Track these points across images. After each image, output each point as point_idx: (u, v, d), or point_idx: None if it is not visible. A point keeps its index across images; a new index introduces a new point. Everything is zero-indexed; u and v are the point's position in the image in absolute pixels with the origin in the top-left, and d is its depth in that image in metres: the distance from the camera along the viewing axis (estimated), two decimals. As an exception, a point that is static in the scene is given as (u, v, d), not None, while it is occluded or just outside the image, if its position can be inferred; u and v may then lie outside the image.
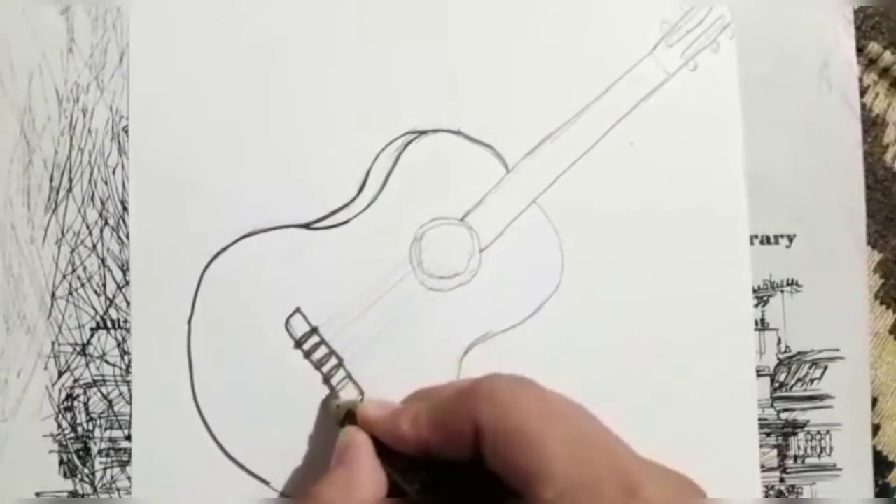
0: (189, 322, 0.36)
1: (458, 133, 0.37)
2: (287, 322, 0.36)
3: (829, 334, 0.38)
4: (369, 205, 0.37)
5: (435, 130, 0.37)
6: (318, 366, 0.36)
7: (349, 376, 0.36)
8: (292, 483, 0.35)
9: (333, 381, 0.36)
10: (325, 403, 0.35)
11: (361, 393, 0.36)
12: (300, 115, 0.37)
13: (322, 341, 0.36)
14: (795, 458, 0.38)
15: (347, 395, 0.36)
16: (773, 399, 0.38)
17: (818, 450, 0.38)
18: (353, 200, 0.37)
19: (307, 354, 0.36)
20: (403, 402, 0.33)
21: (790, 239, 0.38)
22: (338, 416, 0.34)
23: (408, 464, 0.31)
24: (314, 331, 0.36)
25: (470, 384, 0.29)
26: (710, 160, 0.38)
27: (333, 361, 0.36)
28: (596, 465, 0.26)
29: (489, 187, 0.37)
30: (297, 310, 0.36)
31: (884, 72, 0.39)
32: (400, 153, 0.37)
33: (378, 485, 0.30)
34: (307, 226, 0.37)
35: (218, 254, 0.36)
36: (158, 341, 0.36)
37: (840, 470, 0.38)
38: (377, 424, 0.32)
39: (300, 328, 0.36)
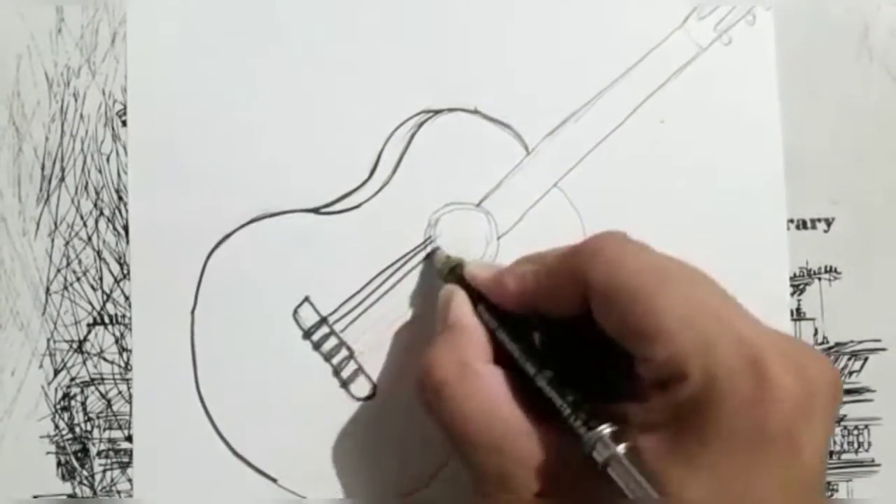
0: (192, 313, 0.35)
1: (474, 112, 0.36)
2: (295, 312, 0.35)
3: (869, 324, 0.37)
4: (381, 188, 0.36)
5: (450, 109, 0.36)
6: (327, 358, 0.35)
7: (360, 368, 0.35)
8: (301, 480, 0.35)
9: (344, 374, 0.35)
10: (431, 256, 0.35)
11: (373, 387, 0.35)
12: (308, 93, 0.36)
13: (332, 332, 0.35)
14: (831, 453, 0.36)
15: (358, 389, 0.35)
16: (809, 392, 0.36)
17: (855, 445, 0.36)
18: (364, 184, 0.36)
19: (316, 346, 0.35)
20: (511, 265, 0.32)
21: (828, 223, 0.37)
22: (443, 271, 0.34)
23: (513, 322, 0.30)
24: (323, 321, 0.35)
25: (579, 244, 0.29)
26: (746, 139, 0.36)
27: (344, 353, 0.35)
28: (710, 329, 0.25)
29: (508, 170, 0.36)
30: (306, 299, 0.35)
31: (929, 40, 0.38)
32: (413, 134, 0.36)
33: (484, 344, 0.30)
34: (316, 210, 0.36)
35: (222, 240, 0.35)
36: (160, 334, 0.35)
37: (878, 466, 0.36)
38: (484, 281, 0.31)
39: (309, 318, 0.35)
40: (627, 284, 0.26)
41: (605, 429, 0.25)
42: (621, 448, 0.25)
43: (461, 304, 0.31)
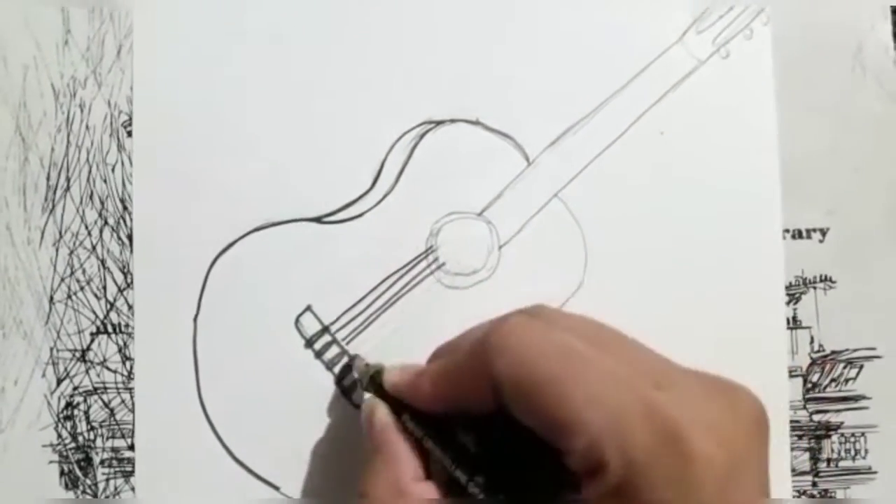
0: (195, 320, 0.35)
1: (476, 123, 0.36)
2: (297, 320, 0.35)
3: (864, 332, 0.37)
4: (383, 198, 0.36)
5: (452, 120, 0.36)
6: (329, 366, 0.35)
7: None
8: (303, 488, 0.34)
9: (345, 383, 0.35)
10: (351, 364, 0.34)
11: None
12: (311, 103, 0.36)
13: (334, 340, 0.35)
14: (828, 461, 0.36)
15: (359, 397, 0.34)
16: (806, 400, 0.36)
17: (852, 452, 0.36)
18: (366, 193, 0.36)
19: (318, 354, 0.35)
20: (427, 362, 0.32)
21: (823, 233, 0.37)
22: (363, 381, 0.33)
23: (439, 426, 0.30)
24: (325, 329, 0.35)
25: (482, 336, 0.27)
26: (743, 151, 0.36)
27: (345, 361, 0.35)
28: (621, 408, 0.24)
29: (509, 180, 0.36)
30: (308, 307, 0.35)
31: (920, 55, 0.38)
32: (415, 144, 0.36)
33: (414, 460, 0.30)
34: (319, 220, 0.35)
35: (225, 249, 0.35)
36: (162, 343, 0.35)
37: (875, 473, 0.36)
38: (402, 387, 0.31)
39: (311, 327, 0.35)
40: (533, 377, 0.25)
41: None
42: None
43: (383, 421, 0.30)
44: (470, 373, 0.28)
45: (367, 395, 0.32)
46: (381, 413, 0.31)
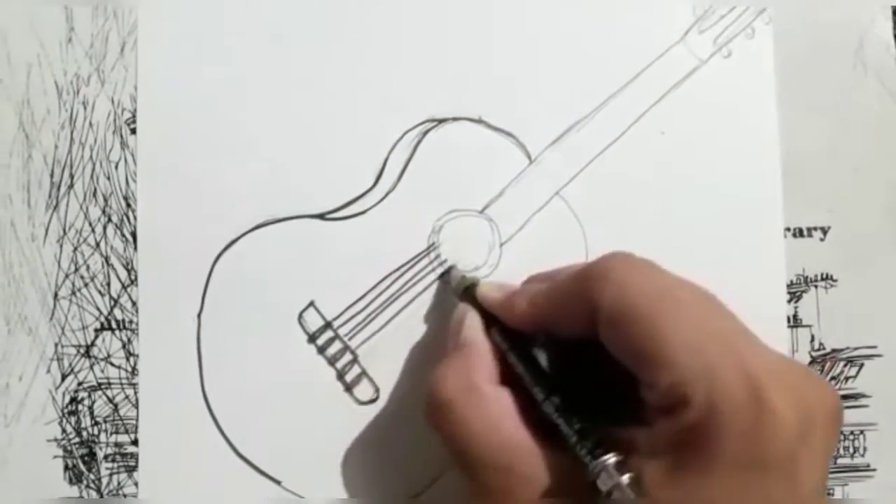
0: (198, 316, 0.35)
1: (479, 121, 0.36)
2: (300, 316, 0.35)
3: (865, 331, 0.36)
4: (386, 195, 0.35)
5: (455, 118, 0.36)
6: (332, 361, 0.35)
7: (364, 372, 0.35)
8: (305, 482, 0.34)
9: (348, 378, 0.35)
10: (447, 274, 0.35)
11: (377, 391, 0.35)
12: (314, 101, 0.36)
13: (336, 336, 0.35)
14: None
15: (361, 393, 0.35)
16: (806, 397, 0.36)
17: (851, 450, 0.36)
18: (369, 190, 0.35)
19: (321, 350, 0.35)
20: (522, 285, 0.33)
21: (824, 231, 0.37)
22: (457, 290, 0.34)
23: (523, 345, 0.30)
24: (328, 325, 0.35)
25: (588, 264, 0.29)
26: (745, 150, 0.36)
27: (348, 357, 0.35)
28: (715, 356, 0.25)
29: (511, 178, 0.36)
30: (311, 303, 0.35)
31: (921, 52, 0.38)
32: (418, 142, 0.36)
33: (493, 365, 0.30)
34: (322, 216, 0.35)
35: (229, 245, 0.35)
36: (166, 339, 0.35)
37: (874, 471, 0.36)
38: (495, 302, 0.31)
39: (314, 322, 0.35)
40: (634, 309, 0.26)
41: (611, 458, 0.25)
42: (625, 478, 0.25)
43: (473, 324, 0.31)
44: (570, 296, 0.28)
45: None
46: (473, 318, 0.31)
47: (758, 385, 0.24)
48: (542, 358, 0.30)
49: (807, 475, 0.24)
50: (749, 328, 0.27)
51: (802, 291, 0.36)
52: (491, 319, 0.31)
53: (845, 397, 0.36)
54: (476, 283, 0.33)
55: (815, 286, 0.37)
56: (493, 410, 0.28)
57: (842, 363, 0.36)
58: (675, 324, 0.25)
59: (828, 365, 0.36)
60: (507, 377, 0.30)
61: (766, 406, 0.24)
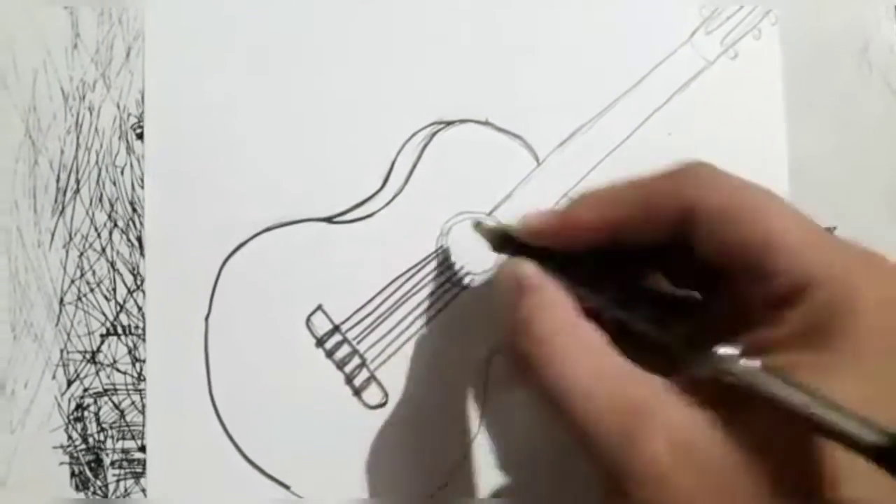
0: (206, 320, 0.34)
1: (486, 123, 0.35)
2: (308, 320, 0.35)
3: None
4: (394, 198, 0.35)
5: (462, 120, 0.35)
6: (340, 366, 0.34)
7: (373, 377, 0.34)
8: (314, 487, 0.34)
9: (356, 382, 0.34)
10: (477, 227, 0.32)
11: (385, 395, 0.34)
12: (321, 104, 0.35)
13: (344, 340, 0.34)
14: None
15: (370, 397, 0.34)
16: (813, 398, 0.36)
17: None
18: (377, 193, 0.35)
19: (329, 354, 0.34)
20: (572, 203, 0.29)
21: (830, 232, 0.36)
22: (495, 241, 0.30)
23: (588, 276, 0.27)
24: (336, 329, 0.34)
25: (667, 170, 0.26)
26: (752, 151, 0.36)
27: (356, 361, 0.34)
28: (825, 235, 0.24)
29: (519, 180, 0.35)
30: (319, 307, 0.35)
31: (925, 55, 0.38)
32: (426, 144, 0.35)
33: (573, 302, 0.27)
34: (329, 219, 0.35)
35: (237, 249, 0.35)
36: (173, 344, 0.34)
37: None
38: (549, 228, 0.28)
39: (322, 326, 0.34)
40: (743, 201, 0.25)
41: (734, 350, 0.23)
42: (758, 364, 0.22)
43: (531, 270, 0.27)
44: (656, 195, 0.26)
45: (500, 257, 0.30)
46: (528, 265, 0.28)
47: (875, 254, 0.23)
48: (611, 280, 0.28)
49: None
50: None
51: (809, 292, 0.36)
52: (545, 258, 0.28)
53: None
54: (511, 228, 0.29)
55: (822, 286, 0.36)
56: (595, 343, 0.25)
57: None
58: (784, 211, 0.24)
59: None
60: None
61: (887, 266, 0.23)
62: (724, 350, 0.23)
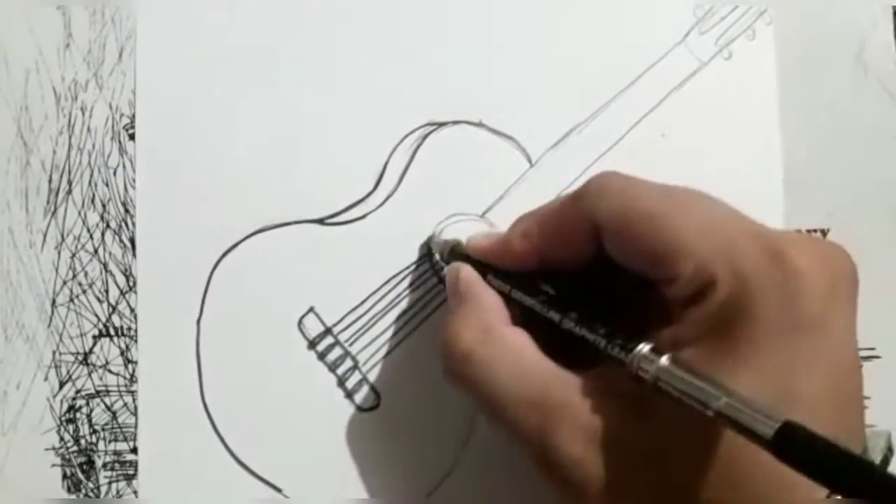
0: (198, 322, 0.34)
1: (479, 125, 0.35)
2: (300, 322, 0.34)
3: (863, 333, 0.35)
4: (386, 199, 0.35)
5: (455, 122, 0.35)
6: (332, 368, 0.34)
7: (365, 379, 0.34)
8: (306, 490, 0.34)
9: (348, 385, 0.34)
10: (429, 242, 0.34)
11: (378, 398, 0.34)
12: (314, 105, 0.35)
13: (336, 342, 0.34)
14: None
15: (362, 400, 0.34)
16: (807, 400, 0.36)
17: None
18: (369, 195, 0.35)
19: (321, 356, 0.34)
20: (509, 229, 0.32)
21: (824, 234, 0.36)
22: (443, 254, 0.33)
23: (523, 282, 0.29)
24: (328, 331, 0.34)
25: (578, 188, 0.28)
26: (746, 153, 0.36)
27: (349, 363, 0.34)
28: (729, 232, 0.24)
29: (511, 181, 0.35)
30: (311, 309, 0.34)
31: (922, 56, 0.37)
32: (418, 145, 0.35)
33: (502, 308, 0.29)
34: (321, 221, 0.35)
35: (228, 251, 0.34)
36: (165, 345, 0.34)
37: None
38: (490, 248, 0.30)
39: (314, 328, 0.34)
40: (640, 210, 0.26)
41: (645, 347, 0.24)
42: (665, 359, 0.24)
43: (470, 277, 0.30)
44: (569, 219, 0.28)
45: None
46: (468, 270, 0.30)
47: (779, 250, 0.24)
48: (546, 287, 0.29)
49: (840, 329, 0.24)
50: None
51: (803, 294, 0.36)
52: (486, 269, 0.30)
53: (847, 400, 0.36)
54: (460, 242, 0.32)
55: (816, 288, 0.36)
56: (515, 348, 0.27)
57: (843, 365, 0.36)
58: (684, 213, 0.25)
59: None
60: (516, 320, 0.29)
61: (792, 268, 0.23)
62: (640, 347, 0.24)
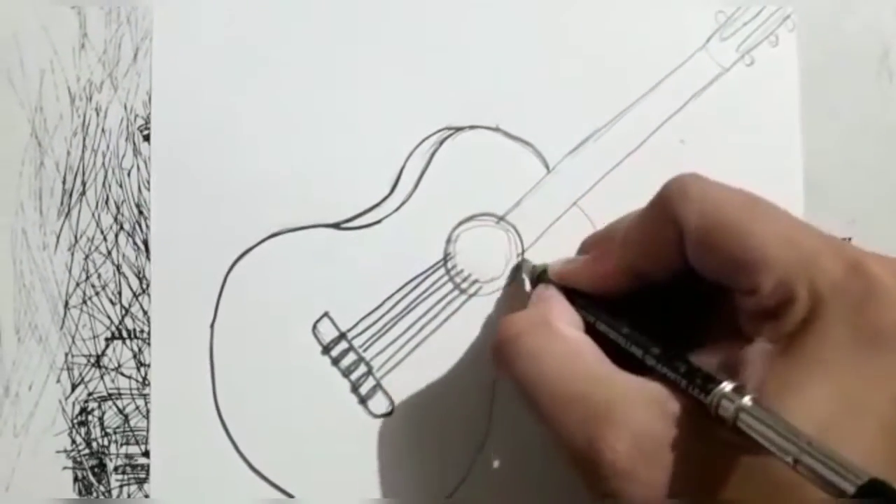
0: (212, 326, 0.34)
1: (496, 130, 0.35)
2: (314, 327, 0.34)
3: None
4: (402, 204, 0.34)
5: (472, 127, 0.35)
6: (346, 373, 0.34)
7: (379, 385, 0.34)
8: (318, 496, 0.33)
9: (362, 391, 0.34)
10: (521, 265, 0.34)
11: (391, 404, 0.34)
12: (330, 109, 0.35)
13: (351, 348, 0.34)
14: None
15: (376, 406, 0.34)
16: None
17: None
18: (385, 199, 0.35)
19: (335, 361, 0.34)
20: (579, 252, 0.32)
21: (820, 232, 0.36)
22: (532, 278, 0.33)
23: (607, 308, 0.29)
24: (342, 336, 0.34)
25: (654, 197, 0.27)
26: (767, 160, 0.35)
27: (363, 369, 0.34)
28: (811, 243, 0.24)
29: (528, 187, 0.35)
30: (326, 314, 0.34)
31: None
32: (435, 150, 0.35)
33: (573, 313, 0.29)
34: (337, 226, 0.34)
35: (243, 254, 0.34)
36: (178, 349, 0.34)
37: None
38: (572, 275, 0.30)
39: (328, 333, 0.34)
40: (724, 218, 0.25)
41: (726, 386, 0.23)
42: (747, 399, 0.23)
43: (551, 293, 0.30)
44: (653, 228, 0.27)
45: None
46: (552, 289, 0.30)
47: (858, 262, 0.23)
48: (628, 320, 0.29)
49: None
50: None
51: (823, 303, 0.35)
52: (571, 295, 0.30)
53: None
54: (546, 268, 0.32)
55: (837, 298, 0.35)
56: (570, 344, 0.27)
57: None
58: (766, 224, 0.25)
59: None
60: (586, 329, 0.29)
61: (872, 280, 0.23)
62: (722, 386, 0.24)
